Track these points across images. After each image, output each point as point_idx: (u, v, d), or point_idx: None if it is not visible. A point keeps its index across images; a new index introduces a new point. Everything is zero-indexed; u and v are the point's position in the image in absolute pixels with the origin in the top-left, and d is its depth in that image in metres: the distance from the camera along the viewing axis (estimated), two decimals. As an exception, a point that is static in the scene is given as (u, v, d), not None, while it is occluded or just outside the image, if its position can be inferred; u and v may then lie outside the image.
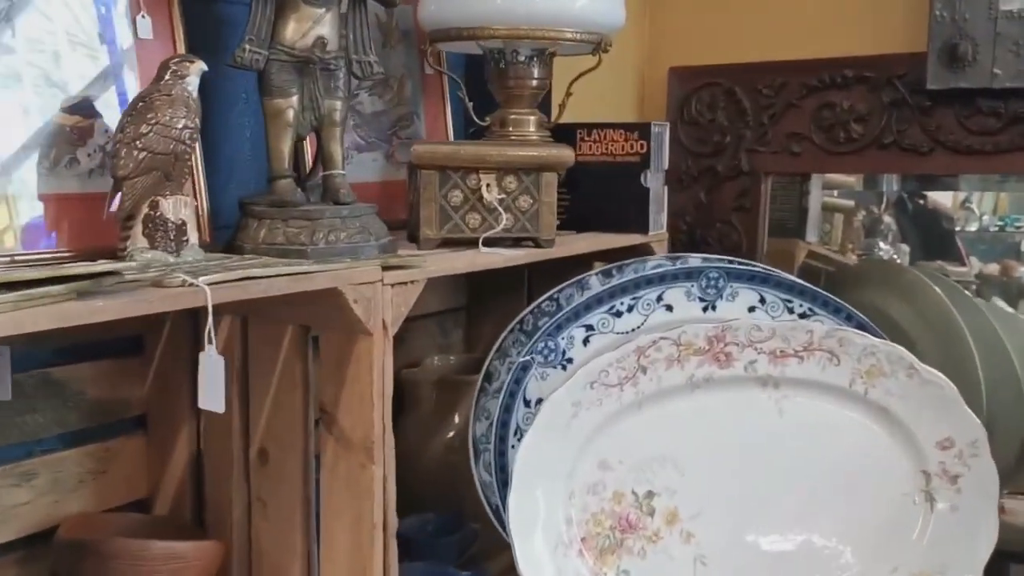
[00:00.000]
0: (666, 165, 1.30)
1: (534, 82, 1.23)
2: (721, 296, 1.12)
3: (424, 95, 1.37)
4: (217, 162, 1.11)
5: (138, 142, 0.86)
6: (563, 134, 1.29)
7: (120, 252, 0.85)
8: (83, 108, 0.91)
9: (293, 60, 0.99)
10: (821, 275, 1.79)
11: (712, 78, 1.55)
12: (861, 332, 1.04)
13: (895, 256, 2.31)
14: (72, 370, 0.99)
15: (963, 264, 2.19)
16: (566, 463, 1.00)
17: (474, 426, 1.10)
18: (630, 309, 1.10)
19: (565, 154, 1.10)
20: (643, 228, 1.27)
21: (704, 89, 1.56)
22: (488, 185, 1.08)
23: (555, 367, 1.08)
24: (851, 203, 2.10)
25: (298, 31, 0.98)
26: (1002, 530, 1.08)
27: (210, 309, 0.71)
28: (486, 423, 1.08)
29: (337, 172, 1.03)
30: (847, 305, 1.13)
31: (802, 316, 1.12)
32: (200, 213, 1.00)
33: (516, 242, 1.12)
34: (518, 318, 1.14)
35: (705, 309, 1.12)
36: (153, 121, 0.87)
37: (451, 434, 1.27)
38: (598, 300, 1.09)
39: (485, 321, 1.53)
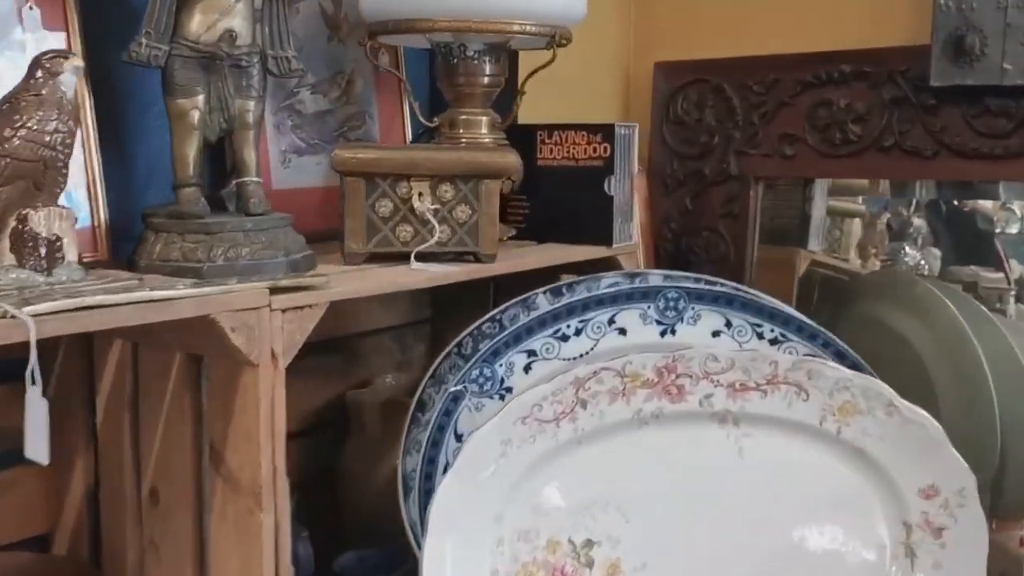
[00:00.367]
0: (635, 170, 1.19)
1: (486, 79, 1.13)
2: (681, 319, 1.00)
3: (378, 93, 1.27)
4: (130, 169, 1.02)
5: (1, 148, 0.77)
6: (522, 136, 1.18)
7: (-16, 271, 0.76)
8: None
9: (198, 56, 0.89)
10: (815, 287, 1.66)
11: (700, 74, 1.43)
12: (833, 364, 0.92)
13: (923, 262, 2.17)
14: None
15: (1001, 269, 2.05)
16: (493, 507, 0.89)
17: (404, 460, 0.99)
18: (578, 333, 0.99)
19: (508, 160, 0.99)
20: (606, 240, 1.16)
21: (691, 86, 1.44)
22: (420, 194, 0.98)
23: (491, 397, 0.97)
24: (861, 207, 1.96)
25: (204, 23, 0.89)
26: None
27: (32, 345, 0.61)
28: (417, 457, 0.98)
29: (250, 180, 0.93)
30: (824, 331, 1.01)
31: (773, 342, 1.00)
32: (97, 226, 0.92)
33: (456, 257, 1.01)
34: (456, 340, 1.03)
35: (664, 333, 1.00)
36: (19, 124, 0.78)
37: (399, 461, 1.17)
38: (541, 323, 0.98)
39: (450, 336, 1.42)
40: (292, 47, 0.95)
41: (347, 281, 0.89)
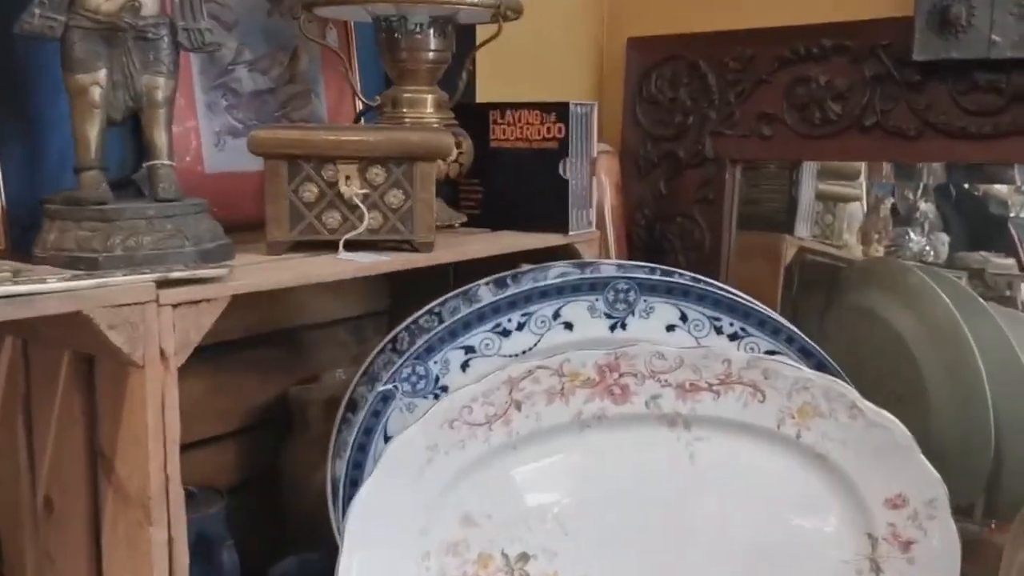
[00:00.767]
0: (594, 152, 1.11)
1: (431, 55, 1.05)
2: (632, 312, 0.93)
3: (326, 71, 1.19)
4: (41, 155, 0.95)
5: None
6: (473, 116, 1.11)
7: None
8: None
9: (98, 27, 0.82)
10: (803, 275, 1.58)
11: (674, 50, 1.35)
12: (791, 362, 0.84)
13: (928, 248, 2.09)
14: None
15: (1015, 254, 1.97)
16: (418, 518, 0.82)
17: (333, 464, 0.93)
18: (520, 327, 0.92)
19: (442, 140, 0.92)
20: (562, 227, 1.08)
21: (665, 63, 1.36)
22: (347, 178, 0.90)
23: (425, 397, 0.90)
24: (855, 191, 1.87)
25: (105, -9, 0.82)
26: None
27: None
28: (344, 461, 0.91)
29: (160, 163, 0.86)
30: (789, 326, 0.93)
31: (733, 337, 0.93)
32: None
33: (392, 245, 0.94)
34: (390, 335, 0.96)
35: (613, 328, 0.93)
36: None
37: (328, 464, 1.10)
38: (480, 317, 0.91)
39: (409, 327, 1.35)
40: (206, 18, 0.87)
41: (260, 272, 0.82)
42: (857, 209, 1.94)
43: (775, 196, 1.62)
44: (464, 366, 0.91)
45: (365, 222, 0.91)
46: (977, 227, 2.05)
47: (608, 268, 0.97)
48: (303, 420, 1.14)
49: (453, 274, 1.26)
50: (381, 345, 0.96)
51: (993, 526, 1.43)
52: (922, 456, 0.83)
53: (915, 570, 0.83)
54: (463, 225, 1.12)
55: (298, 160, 0.90)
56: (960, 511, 1.39)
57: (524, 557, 0.84)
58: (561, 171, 1.07)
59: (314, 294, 1.21)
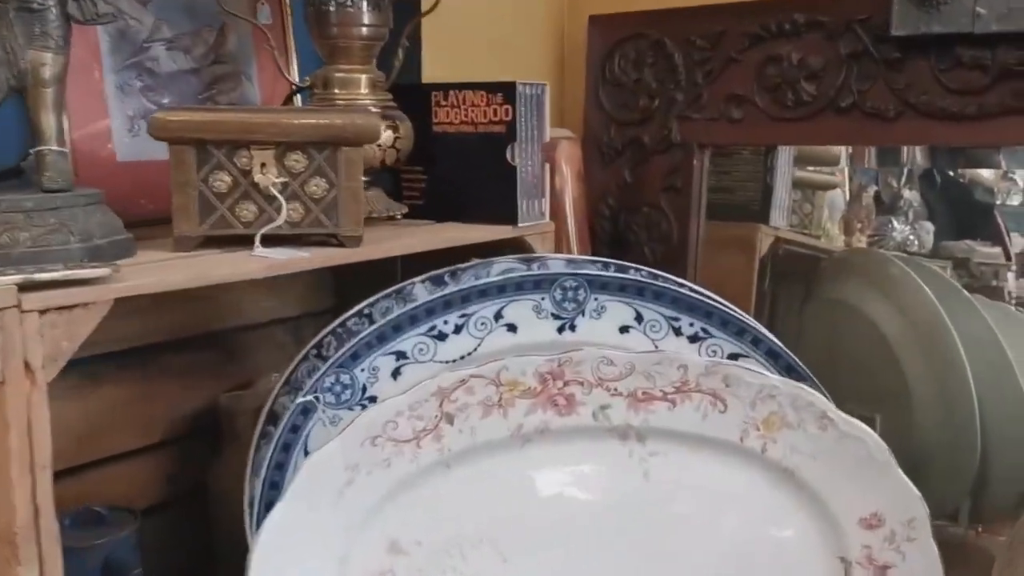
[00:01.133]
0: (545, 137, 1.02)
1: (364, 30, 0.96)
2: (582, 312, 0.84)
3: (258, 50, 1.09)
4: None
5: None
6: (414, 98, 1.02)
7: None
8: None
9: (-26, -3, 0.73)
10: (779, 267, 1.50)
11: (638, 28, 1.26)
12: (754, 368, 0.75)
13: (911, 237, 2.01)
14: None
15: (1001, 243, 1.90)
16: (336, 546, 0.73)
17: (251, 484, 0.84)
18: (458, 330, 0.83)
19: (368, 123, 0.82)
20: (511, 218, 0.99)
21: (628, 42, 1.27)
22: (263, 165, 0.81)
23: (351, 408, 0.81)
24: (834, 178, 1.79)
25: (-18, -42, 0.72)
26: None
27: None
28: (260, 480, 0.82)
29: (48, 149, 0.76)
30: (755, 325, 0.84)
31: (693, 339, 0.84)
32: None
33: (316, 239, 0.85)
34: (316, 339, 0.87)
35: (561, 329, 0.84)
36: None
37: (246, 482, 1.01)
38: (412, 319, 0.82)
39: (355, 327, 1.26)
40: (100, -14, 0.78)
41: (152, 272, 0.73)
42: (838, 197, 1.86)
43: (749, 184, 1.53)
44: (395, 374, 0.82)
45: (283, 214, 0.82)
46: (962, 215, 1.98)
47: (556, 263, 0.88)
48: (233, 431, 1.05)
49: (400, 269, 1.17)
50: (305, 351, 0.86)
51: (980, 530, 1.36)
52: (900, 471, 0.74)
53: (893, 598, 0.75)
54: (405, 216, 1.03)
55: (207, 146, 0.80)
56: (944, 516, 1.32)
57: (458, 588, 0.75)
58: (509, 157, 0.98)
59: (249, 292, 1.12)
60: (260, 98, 1.10)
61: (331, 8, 0.94)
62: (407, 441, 0.74)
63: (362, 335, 0.80)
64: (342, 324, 0.86)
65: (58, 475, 0.67)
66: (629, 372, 0.75)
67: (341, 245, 0.84)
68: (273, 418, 0.85)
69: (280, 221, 0.82)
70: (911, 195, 2.03)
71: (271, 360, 1.18)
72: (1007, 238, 1.92)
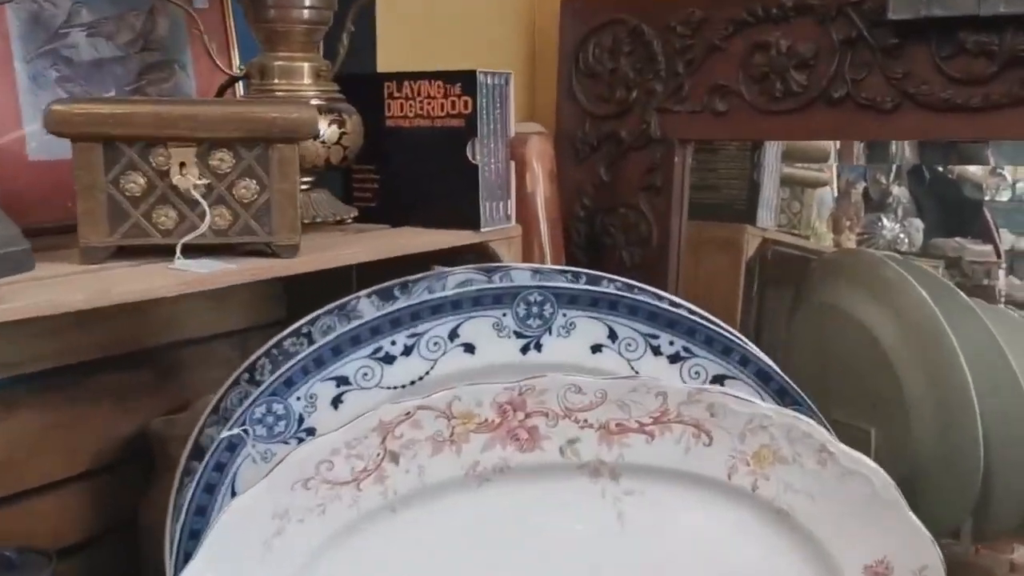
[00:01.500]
0: (510, 132, 0.92)
1: (306, 13, 0.85)
2: (549, 329, 0.74)
3: (193, 36, 0.99)
4: None
5: None
6: (363, 88, 0.92)
7: None
8: None
9: None
10: (767, 271, 1.41)
11: (614, 13, 1.16)
12: (742, 395, 0.66)
13: (902, 235, 1.94)
14: None
15: (991, 240, 1.83)
16: (264, 606, 0.63)
17: (172, 527, 0.73)
18: (407, 351, 0.73)
19: (303, 116, 0.72)
20: (473, 222, 0.89)
21: (604, 29, 1.17)
22: (183, 164, 0.71)
23: (286, 442, 0.71)
24: (824, 175, 1.70)
25: None
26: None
27: None
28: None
29: (-71, 148, 0.67)
30: (743, 343, 0.75)
31: (674, 359, 0.74)
32: None
33: (246, 249, 0.75)
34: (248, 361, 0.77)
35: (525, 349, 0.74)
36: None
37: (166, 526, 0.90)
38: (354, 340, 0.72)
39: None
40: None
41: (50, 290, 0.63)
42: (827, 195, 1.78)
43: (734, 181, 1.44)
44: (336, 402, 0.72)
45: (207, 221, 0.72)
46: (951, 212, 1.91)
47: (520, 274, 0.79)
48: (166, 459, 0.94)
49: (356, 277, 1.08)
50: (236, 375, 0.77)
51: (978, 549, 1.28)
52: (910, 512, 0.65)
53: (902, 657, 0.66)
54: (356, 220, 0.94)
55: (117, 142, 0.70)
56: (944, 535, 1.24)
57: (405, 650, 0.66)
58: (469, 154, 0.88)
59: (188, 304, 1.01)
60: (197, 90, 1.00)
61: (268, -12, 0.84)
62: (345, 483, 0.64)
63: (297, 359, 0.70)
64: (278, 345, 0.76)
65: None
66: (601, 401, 0.65)
67: (275, 255, 0.75)
68: (199, 452, 0.75)
69: (203, 229, 0.72)
70: (900, 191, 1.96)
71: (214, 379, 1.07)
72: (996, 235, 1.85)
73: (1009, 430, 1.19)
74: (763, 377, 0.74)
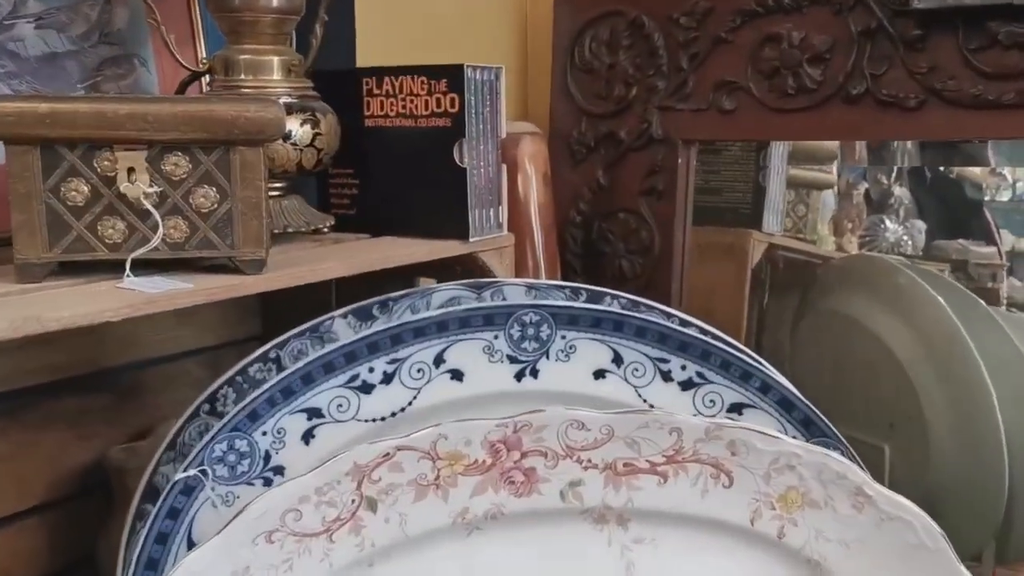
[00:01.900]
0: (501, 132, 0.84)
1: (275, 1, 0.77)
2: (546, 353, 0.66)
3: (155, 30, 0.91)
4: None
5: None
6: (340, 85, 0.84)
7: None
8: None
9: None
10: (774, 278, 1.33)
11: (612, 4, 1.08)
12: (767, 431, 0.58)
13: (905, 237, 1.87)
14: None
15: (992, 242, 1.77)
16: None
17: (123, 580, 0.65)
18: (387, 379, 0.65)
19: (267, 114, 0.64)
20: (461, 231, 0.81)
21: (602, 21, 1.09)
22: (131, 170, 0.63)
23: (250, 484, 0.63)
24: (832, 177, 1.63)
25: None
26: None
27: None
28: (134, 578, 0.64)
29: None
30: (763, 367, 0.67)
31: (686, 386, 0.67)
32: None
33: (206, 265, 0.67)
34: (208, 391, 0.69)
35: (520, 375, 0.66)
36: None
37: None
38: (327, 367, 0.64)
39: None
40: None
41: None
42: (829, 197, 1.71)
43: (738, 184, 1.37)
44: (307, 436, 0.64)
45: (160, 233, 0.64)
46: (953, 212, 1.86)
47: (514, 291, 0.71)
48: (125, 492, 0.86)
49: (336, 288, 1.00)
50: (196, 405, 0.68)
51: (995, 572, 1.21)
52: (959, 564, 0.57)
53: None
54: (333, 228, 0.86)
55: (56, 145, 0.62)
56: (965, 558, 1.17)
57: None
58: (457, 157, 0.80)
59: (151, 319, 0.93)
60: (159, 86, 0.91)
61: (233, -26, 0.76)
62: (316, 535, 0.56)
63: (262, 389, 0.62)
64: (242, 371, 0.68)
65: None
66: (607, 438, 0.57)
67: (239, 271, 0.66)
68: (153, 493, 0.67)
69: (155, 242, 0.64)
70: (902, 192, 1.89)
71: (181, 401, 0.99)
72: (997, 236, 1.79)
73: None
74: (786, 406, 0.66)
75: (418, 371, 0.65)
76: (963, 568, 0.57)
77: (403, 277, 0.86)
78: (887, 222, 1.86)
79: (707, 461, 0.58)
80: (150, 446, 0.89)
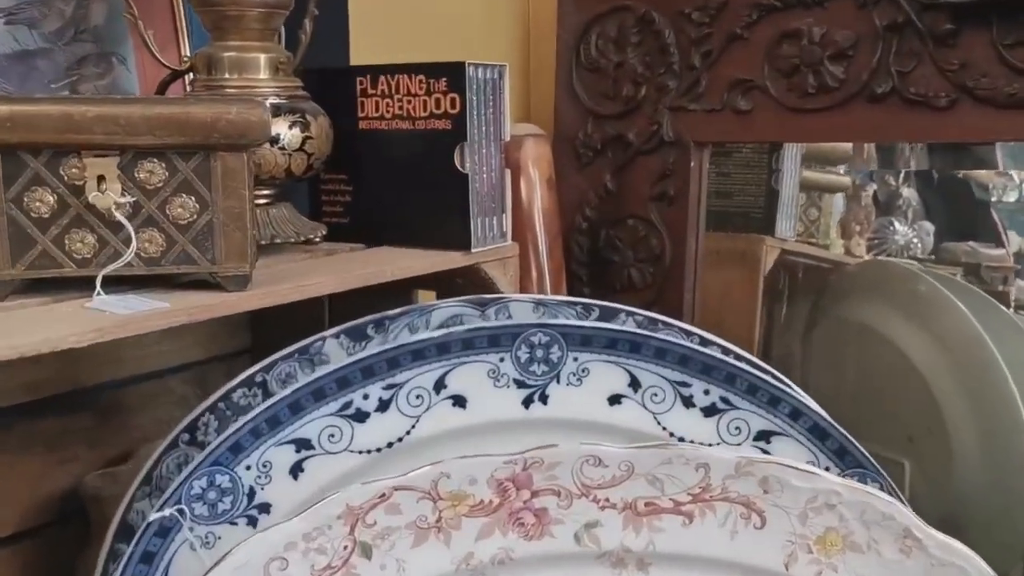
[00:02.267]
0: (505, 134, 0.78)
1: (262, -6, 0.72)
2: (557, 377, 0.61)
3: (132, 25, 0.85)
4: None
5: None
6: (332, 84, 0.78)
7: None
8: None
9: None
10: (786, 285, 1.28)
11: (620, -1, 1.03)
12: (802, 466, 0.52)
13: (915, 239, 1.82)
14: None
15: (1000, 244, 1.73)
16: None
17: (94, 627, 0.60)
18: (383, 406, 0.59)
19: (250, 116, 0.58)
20: (462, 241, 0.76)
21: (609, 17, 1.04)
22: (101, 179, 0.57)
23: (233, 523, 0.57)
24: (846, 179, 1.58)
25: None
26: None
27: None
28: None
29: None
30: (793, 391, 0.62)
31: (709, 412, 0.61)
32: None
33: (197, 281, 0.61)
34: (188, 419, 0.63)
35: (528, 401, 0.61)
36: None
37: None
38: (317, 394, 0.58)
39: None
40: None
41: None
42: (838, 199, 1.66)
43: (749, 188, 1.31)
44: (295, 470, 0.58)
45: (133, 247, 0.58)
46: (961, 214, 1.82)
47: (520, 308, 0.65)
48: (103, 520, 0.80)
49: (329, 299, 0.94)
50: (174, 434, 0.63)
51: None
52: (1018, 613, 0.52)
53: None
54: (326, 238, 0.80)
55: (18, 152, 0.56)
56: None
57: None
58: (458, 162, 0.75)
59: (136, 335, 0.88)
60: (140, 86, 0.86)
61: (216, -35, 0.71)
62: (303, 585, 0.50)
63: (246, 419, 0.57)
64: (225, 397, 0.63)
65: None
66: (626, 475, 0.52)
67: (220, 288, 0.61)
68: (127, 532, 0.61)
69: (128, 257, 0.58)
70: (910, 193, 1.85)
71: (166, 421, 0.94)
72: (1005, 237, 1.75)
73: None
74: (819, 434, 0.61)
75: (417, 397, 0.60)
76: (1022, 619, 0.51)
77: (400, 289, 0.81)
78: (896, 224, 1.82)
79: (737, 500, 0.52)
80: (130, 471, 0.84)
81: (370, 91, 0.77)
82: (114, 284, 0.60)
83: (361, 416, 0.59)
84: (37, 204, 0.57)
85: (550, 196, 1.04)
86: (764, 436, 0.61)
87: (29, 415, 0.83)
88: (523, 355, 0.60)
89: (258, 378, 0.63)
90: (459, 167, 0.75)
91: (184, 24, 0.87)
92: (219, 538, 0.57)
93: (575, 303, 0.66)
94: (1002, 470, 1.10)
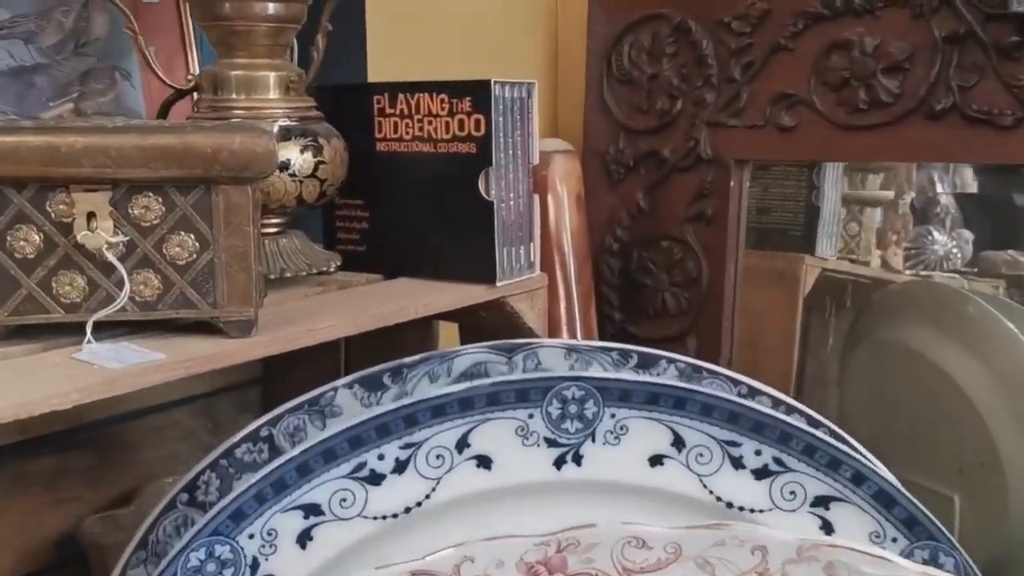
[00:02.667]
0: (535, 158, 0.73)
1: (271, 8, 0.66)
2: (592, 436, 0.55)
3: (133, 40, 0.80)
4: None
5: None
6: (347, 104, 0.72)
7: None
8: None
9: None
10: (827, 305, 1.22)
11: (654, 7, 0.97)
12: (877, 553, 0.46)
13: (955, 249, 1.75)
14: None
15: None
16: None
17: None
18: (400, 467, 0.53)
19: (255, 145, 0.52)
20: (487, 273, 0.70)
21: (642, 26, 0.98)
22: (92, 216, 0.52)
23: (233, 596, 0.52)
24: (888, 193, 1.51)
25: None
26: None
27: None
28: None
29: None
30: (855, 452, 0.55)
31: (761, 475, 0.55)
32: None
33: (197, 327, 0.56)
34: (187, 478, 0.58)
35: (560, 462, 0.55)
36: None
37: None
38: (327, 455, 0.52)
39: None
40: None
41: None
42: (878, 211, 1.60)
43: (789, 204, 1.25)
44: (303, 539, 0.53)
45: (126, 291, 0.53)
46: (999, 221, 1.75)
47: (551, 355, 0.59)
48: (103, 567, 0.76)
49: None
50: (173, 494, 0.57)
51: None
52: None
53: None
54: (341, 268, 0.74)
55: (0, 186, 0.51)
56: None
57: None
58: (483, 188, 0.69)
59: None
60: (145, 103, 0.81)
61: (222, -23, 0.65)
62: None
63: (249, 484, 0.51)
64: (228, 453, 0.57)
65: None
66: (673, 558, 0.46)
67: (222, 334, 0.55)
68: (117, 604, 0.56)
69: (121, 302, 0.53)
70: (948, 200, 1.78)
71: (173, 457, 0.89)
72: (1045, 245, 1.68)
73: None
74: (884, 501, 0.54)
75: (437, 457, 0.54)
76: None
77: (420, 320, 0.75)
78: (935, 233, 1.74)
79: (799, 585, 0.46)
80: (132, 515, 0.79)
81: (388, 110, 0.72)
82: (107, 328, 0.55)
83: (376, 479, 0.53)
84: (21, 244, 0.52)
85: (579, 215, 0.98)
86: (823, 502, 0.55)
87: (26, 453, 0.78)
88: (555, 411, 0.54)
89: (263, 432, 0.58)
90: (484, 194, 0.69)
91: (193, 39, 0.83)
92: (218, 616, 0.52)
93: (611, 349, 0.60)
94: (1060, 508, 1.03)
